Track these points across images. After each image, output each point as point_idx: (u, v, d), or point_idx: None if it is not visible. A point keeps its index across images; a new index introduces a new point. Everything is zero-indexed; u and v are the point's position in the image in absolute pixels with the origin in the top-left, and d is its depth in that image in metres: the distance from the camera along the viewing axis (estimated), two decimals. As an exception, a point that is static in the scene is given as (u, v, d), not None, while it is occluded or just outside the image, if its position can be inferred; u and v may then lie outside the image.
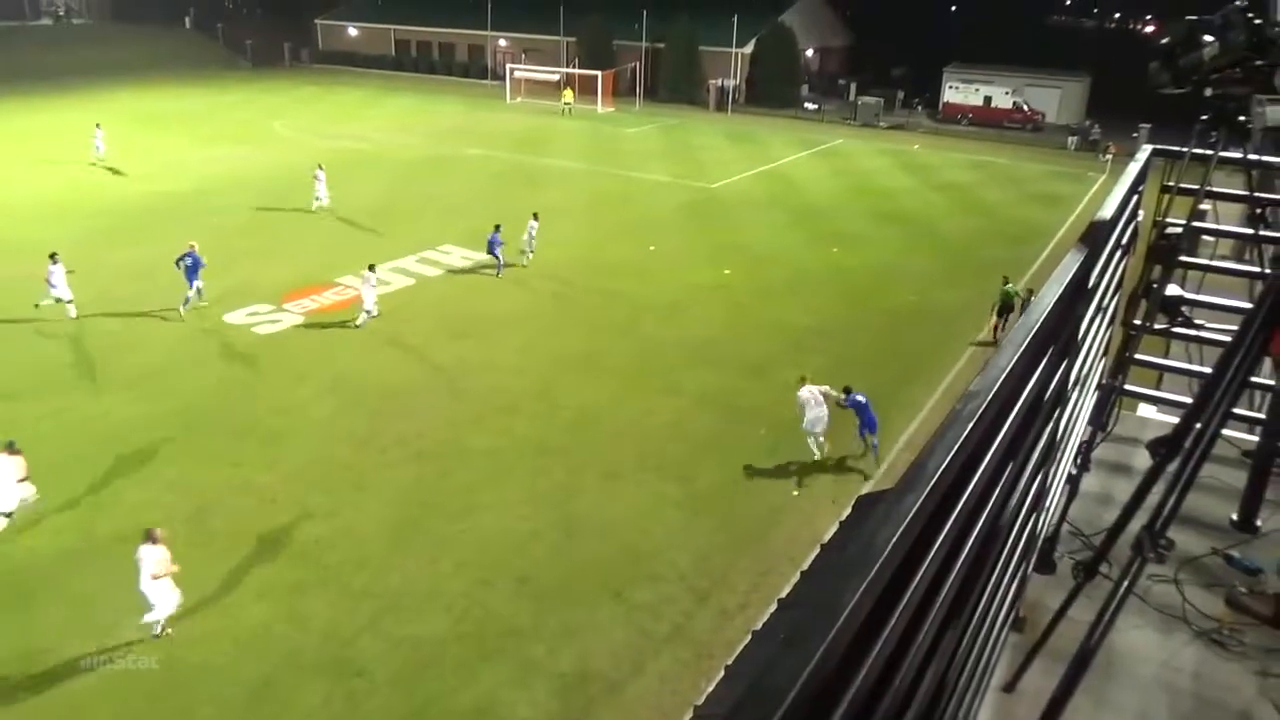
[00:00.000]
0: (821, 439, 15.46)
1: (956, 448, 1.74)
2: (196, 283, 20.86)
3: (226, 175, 35.17)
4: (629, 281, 24.75)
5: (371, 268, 21.63)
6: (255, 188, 33.41)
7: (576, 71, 60.58)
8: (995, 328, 21.52)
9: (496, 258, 24.60)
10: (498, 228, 24.56)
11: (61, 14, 77.73)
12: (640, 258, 27.11)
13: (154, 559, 10.72)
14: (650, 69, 64.06)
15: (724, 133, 51.35)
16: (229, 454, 15.21)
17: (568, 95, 56.20)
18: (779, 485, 15.14)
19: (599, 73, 58.73)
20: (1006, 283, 21.49)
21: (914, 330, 22.30)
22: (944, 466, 1.67)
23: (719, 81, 61.28)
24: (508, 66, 63.11)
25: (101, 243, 25.74)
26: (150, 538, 10.85)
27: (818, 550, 1.56)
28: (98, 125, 36.29)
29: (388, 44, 76.83)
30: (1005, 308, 21.06)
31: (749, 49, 62.45)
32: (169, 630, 11.05)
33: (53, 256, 19.85)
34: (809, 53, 68.55)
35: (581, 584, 12.50)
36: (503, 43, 70.42)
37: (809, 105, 60.86)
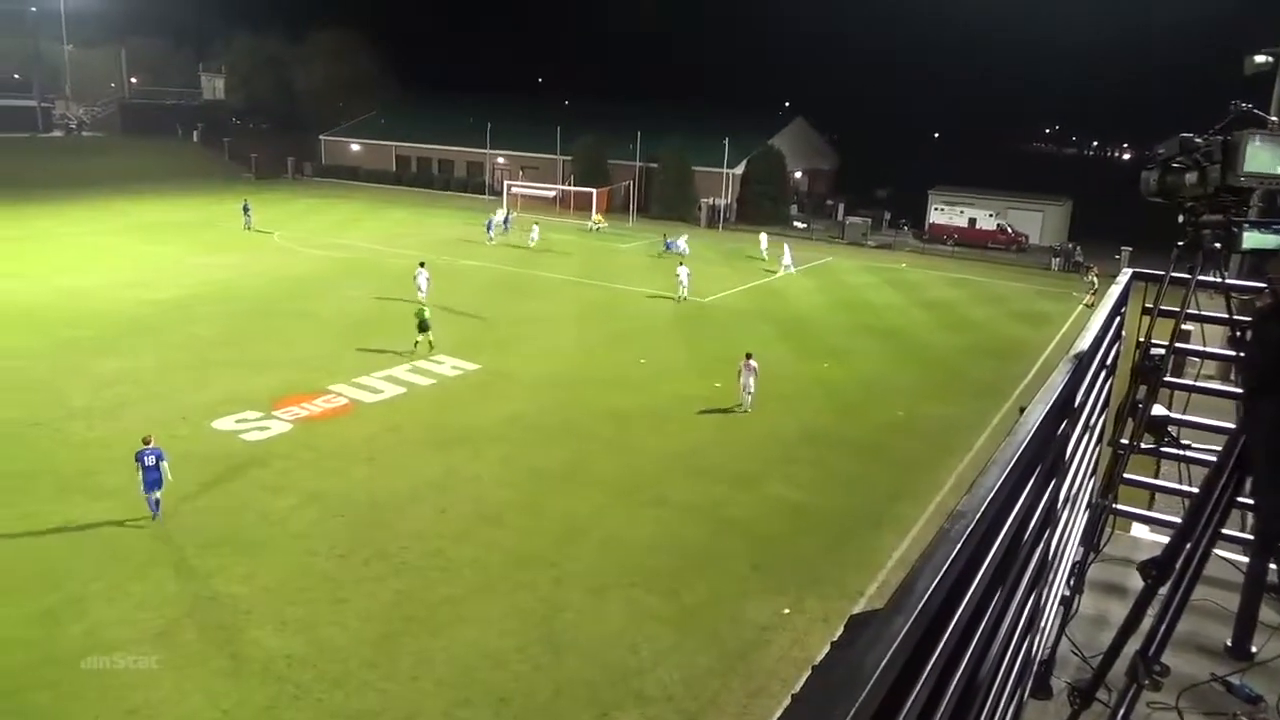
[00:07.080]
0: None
1: (945, 568, 1.72)
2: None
3: (221, 282, 35.55)
4: (618, 392, 24.80)
5: None
6: (249, 295, 33.77)
7: (572, 189, 62.18)
8: (1091, 302, 33.23)
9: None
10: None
11: (73, 127, 79.91)
12: (630, 369, 27.25)
13: None
14: (644, 187, 65.82)
15: (715, 249, 52.43)
16: (205, 565, 14.85)
17: (598, 217, 57.50)
18: (769, 602, 14.83)
19: (594, 190, 60.27)
20: (1089, 272, 41.98)
21: (903, 445, 22.30)
22: (933, 588, 1.65)
23: (711, 200, 62.94)
24: (505, 182, 64.80)
25: (86, 350, 25.72)
26: None
27: (809, 672, 1.51)
28: (421, 264, 34.24)
29: (389, 160, 79.00)
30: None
31: (740, 170, 64.42)
32: None
33: None
34: (798, 174, 70.77)
35: (565, 704, 12.08)
36: (501, 160, 72.48)
37: (798, 224, 62.36)
